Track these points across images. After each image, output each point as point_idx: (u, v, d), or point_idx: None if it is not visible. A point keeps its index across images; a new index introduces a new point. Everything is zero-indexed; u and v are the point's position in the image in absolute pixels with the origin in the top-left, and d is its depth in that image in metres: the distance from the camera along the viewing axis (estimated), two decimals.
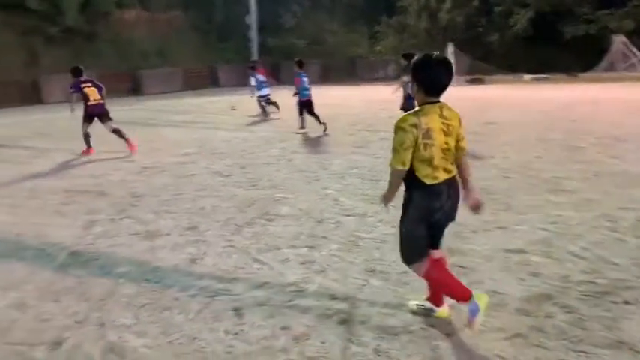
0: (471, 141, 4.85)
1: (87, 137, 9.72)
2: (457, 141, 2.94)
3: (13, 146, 11.01)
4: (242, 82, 29.51)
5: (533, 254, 4.23)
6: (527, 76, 27.12)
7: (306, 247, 4.63)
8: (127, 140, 9.60)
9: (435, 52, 2.87)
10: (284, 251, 4.55)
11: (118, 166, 8.46)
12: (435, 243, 3.10)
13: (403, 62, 10.05)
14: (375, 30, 33.41)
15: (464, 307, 3.03)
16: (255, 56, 29.91)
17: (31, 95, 22.04)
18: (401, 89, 9.91)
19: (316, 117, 11.21)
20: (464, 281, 3.23)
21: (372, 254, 4.42)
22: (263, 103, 15.07)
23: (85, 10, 24.36)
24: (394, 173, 2.92)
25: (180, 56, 28.25)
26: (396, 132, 2.83)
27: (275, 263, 4.28)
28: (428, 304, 3.31)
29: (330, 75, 31.51)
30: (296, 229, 5.12)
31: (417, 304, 3.37)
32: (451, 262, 3.71)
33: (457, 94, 17.72)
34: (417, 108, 2.87)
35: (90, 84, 9.79)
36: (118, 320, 3.42)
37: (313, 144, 10.10)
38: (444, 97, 2.94)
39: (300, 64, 11.38)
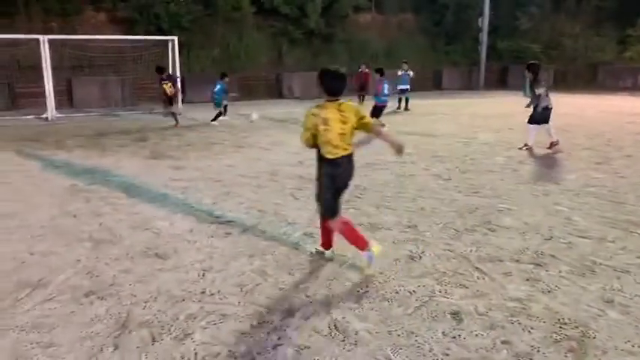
0: None
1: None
2: (360, 120, 4.10)
3: (258, 134, 12.53)
4: (466, 86, 28.85)
5: None
6: None
7: (532, 263, 4.35)
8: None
9: (335, 66, 4.11)
10: (507, 264, 4.35)
11: None
12: None
13: (528, 74, 9.20)
14: (625, 34, 29.48)
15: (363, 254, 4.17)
16: (482, 58, 28.98)
17: (274, 90, 24.78)
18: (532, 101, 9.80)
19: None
20: None
21: (611, 283, 3.96)
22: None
23: (326, 13, 26.38)
24: (304, 145, 4.27)
25: (407, 58, 28.81)
26: (304, 118, 4.11)
27: (496, 275, 4.12)
28: (321, 249, 4.54)
29: (566, 82, 28.86)
30: (521, 243, 4.85)
31: (316, 249, 4.59)
32: None
33: None
34: (320, 103, 4.08)
35: (167, 81, 13.76)
36: (342, 302, 3.67)
37: (543, 156, 9.41)
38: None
39: (381, 73, 12.81)
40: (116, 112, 17.89)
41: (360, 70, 19.11)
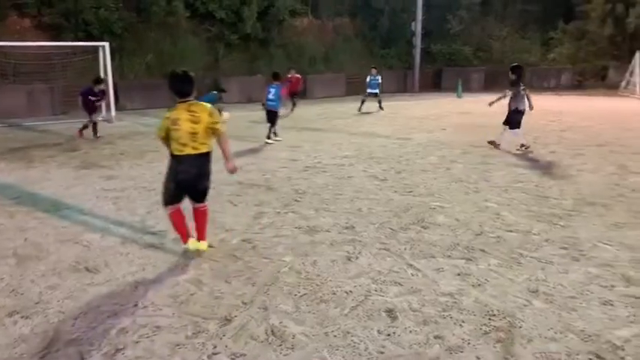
0: None
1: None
2: (211, 127, 4.37)
3: None
4: (401, 89, 29.56)
5: None
6: None
7: (463, 258, 4.51)
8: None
9: (181, 69, 4.46)
10: (439, 260, 4.48)
11: (284, 165, 9.01)
12: (191, 198, 4.66)
13: (512, 76, 9.73)
14: (549, 36, 31.12)
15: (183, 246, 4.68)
16: (417, 62, 29.76)
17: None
18: (506, 102, 10.14)
19: (271, 126, 11.58)
20: None
21: (536, 274, 4.16)
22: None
23: (262, 18, 26.29)
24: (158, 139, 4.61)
25: (344, 62, 29.17)
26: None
27: (429, 271, 4.24)
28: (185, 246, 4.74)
29: (496, 82, 30.12)
30: (452, 239, 5.02)
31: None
32: None
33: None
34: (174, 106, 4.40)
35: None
36: (279, 306, 3.67)
37: (474, 155, 9.76)
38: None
39: (275, 77, 12.16)
40: (45, 121, 17.08)
41: (289, 75, 19.16)
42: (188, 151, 4.32)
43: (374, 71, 19.21)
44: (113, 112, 16.57)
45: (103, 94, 13.02)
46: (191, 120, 4.27)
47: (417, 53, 29.49)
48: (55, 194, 7.09)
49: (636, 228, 5.30)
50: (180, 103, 4.34)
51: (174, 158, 4.42)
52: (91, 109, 12.45)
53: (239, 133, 13.51)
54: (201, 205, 4.70)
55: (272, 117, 11.44)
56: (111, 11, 22.15)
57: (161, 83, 19.05)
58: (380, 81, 19.18)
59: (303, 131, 13.31)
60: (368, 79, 19.24)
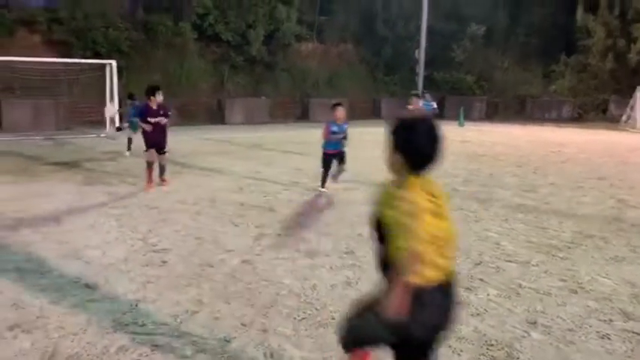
0: None
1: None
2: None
3: (198, 160, 12.39)
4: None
5: None
6: None
7: (462, 287, 4.52)
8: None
9: (417, 116, 2.43)
10: None
11: (286, 187, 9.07)
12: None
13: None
14: (550, 69, 31.53)
15: None
16: (420, 89, 30.09)
17: (216, 116, 24.64)
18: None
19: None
20: None
21: (534, 305, 4.18)
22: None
23: (268, 41, 26.69)
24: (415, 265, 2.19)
25: (347, 87, 29.48)
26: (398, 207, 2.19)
27: None
28: None
29: (498, 112, 30.40)
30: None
31: None
32: None
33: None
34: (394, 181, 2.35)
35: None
36: (278, 329, 3.68)
37: (475, 184, 9.82)
38: None
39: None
40: (50, 136, 17.21)
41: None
42: (436, 275, 2.25)
43: (428, 95, 17.76)
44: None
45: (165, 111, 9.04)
46: (435, 213, 2.25)
47: (420, 81, 29.80)
48: (58, 209, 7.14)
49: (635, 262, 5.33)
50: (413, 177, 2.28)
51: (438, 289, 2.28)
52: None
53: (243, 154, 13.63)
54: None
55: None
56: (120, 31, 22.51)
57: (167, 102, 19.26)
58: (435, 106, 17.50)
59: (306, 154, 13.40)
60: (421, 104, 17.66)
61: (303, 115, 26.91)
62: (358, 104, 28.79)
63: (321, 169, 8.56)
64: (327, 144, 8.39)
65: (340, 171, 8.66)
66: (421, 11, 28.92)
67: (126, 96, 14.10)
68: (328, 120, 8.45)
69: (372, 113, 29.42)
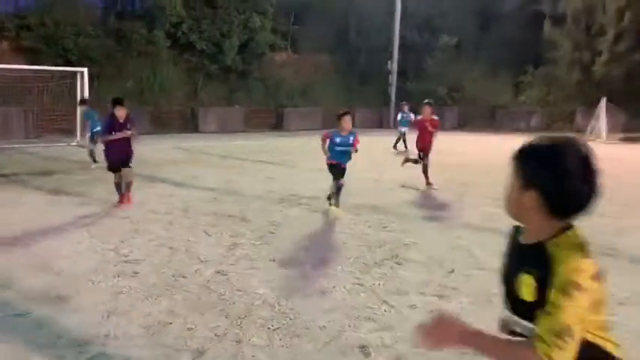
0: None
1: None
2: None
3: (171, 169, 12.27)
4: (377, 125, 30.05)
5: None
6: None
7: (436, 295, 4.59)
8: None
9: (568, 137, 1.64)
10: (412, 297, 4.55)
11: (259, 196, 9.05)
12: None
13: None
14: (519, 80, 32.33)
15: None
16: (392, 99, 30.42)
17: (189, 124, 24.47)
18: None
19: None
20: None
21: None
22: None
23: (242, 51, 26.69)
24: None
25: (321, 97, 29.64)
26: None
27: (403, 308, 4.30)
28: None
29: (468, 122, 30.93)
30: (426, 276, 5.10)
31: None
32: None
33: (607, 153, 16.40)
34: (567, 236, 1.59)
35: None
36: (253, 340, 3.67)
37: (448, 192, 9.96)
38: None
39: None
40: (18, 144, 16.82)
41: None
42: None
43: (406, 108, 17.65)
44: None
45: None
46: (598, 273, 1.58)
47: (393, 90, 30.17)
48: (28, 219, 6.98)
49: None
50: (560, 227, 1.62)
51: None
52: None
53: (216, 163, 13.56)
54: None
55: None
56: (91, 38, 22.22)
57: (140, 110, 19.05)
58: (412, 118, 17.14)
59: (279, 163, 13.41)
60: (400, 116, 17.67)
61: (278, 125, 26.95)
62: (333, 114, 28.92)
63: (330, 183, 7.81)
64: (331, 153, 7.67)
65: (338, 189, 7.72)
66: (394, 23, 29.38)
67: (100, 104, 13.87)
68: (330, 130, 7.81)
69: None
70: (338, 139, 7.59)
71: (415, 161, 10.65)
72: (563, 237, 1.58)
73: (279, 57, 30.24)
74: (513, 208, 1.72)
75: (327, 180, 9.05)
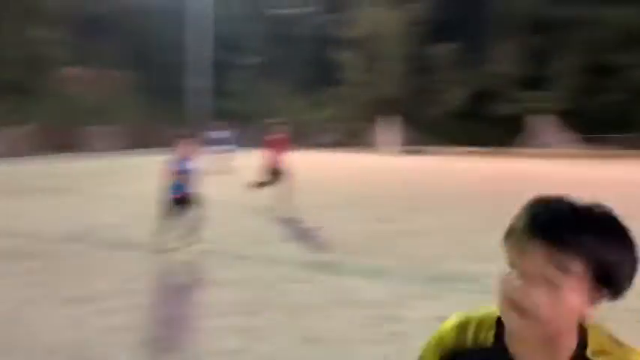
0: None
1: None
2: None
3: None
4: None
5: None
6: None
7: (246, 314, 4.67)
8: None
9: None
10: (223, 319, 4.56)
11: (50, 227, 8.19)
12: None
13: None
14: (318, 98, 34.80)
15: None
16: (192, 117, 30.22)
17: None
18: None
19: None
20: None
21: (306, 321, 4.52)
22: None
23: (29, 65, 24.03)
24: None
25: (120, 114, 28.07)
26: None
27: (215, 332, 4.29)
28: None
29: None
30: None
31: None
32: None
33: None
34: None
35: None
36: None
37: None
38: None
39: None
40: None
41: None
42: None
43: (220, 127, 18.22)
44: None
45: None
46: None
47: (193, 109, 30.13)
48: None
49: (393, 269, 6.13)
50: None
51: None
52: None
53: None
54: None
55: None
56: None
57: None
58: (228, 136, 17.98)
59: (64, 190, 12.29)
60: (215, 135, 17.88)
61: (71, 145, 24.69)
62: (136, 132, 27.67)
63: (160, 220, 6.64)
64: (172, 187, 6.57)
65: (196, 224, 6.66)
66: (198, 40, 29.40)
67: None
68: (170, 158, 6.66)
69: (153, 141, 28.48)
70: (182, 167, 6.61)
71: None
72: (596, 337, 0.97)
73: (72, 73, 27.90)
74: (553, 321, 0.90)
75: (132, 205, 8.55)
